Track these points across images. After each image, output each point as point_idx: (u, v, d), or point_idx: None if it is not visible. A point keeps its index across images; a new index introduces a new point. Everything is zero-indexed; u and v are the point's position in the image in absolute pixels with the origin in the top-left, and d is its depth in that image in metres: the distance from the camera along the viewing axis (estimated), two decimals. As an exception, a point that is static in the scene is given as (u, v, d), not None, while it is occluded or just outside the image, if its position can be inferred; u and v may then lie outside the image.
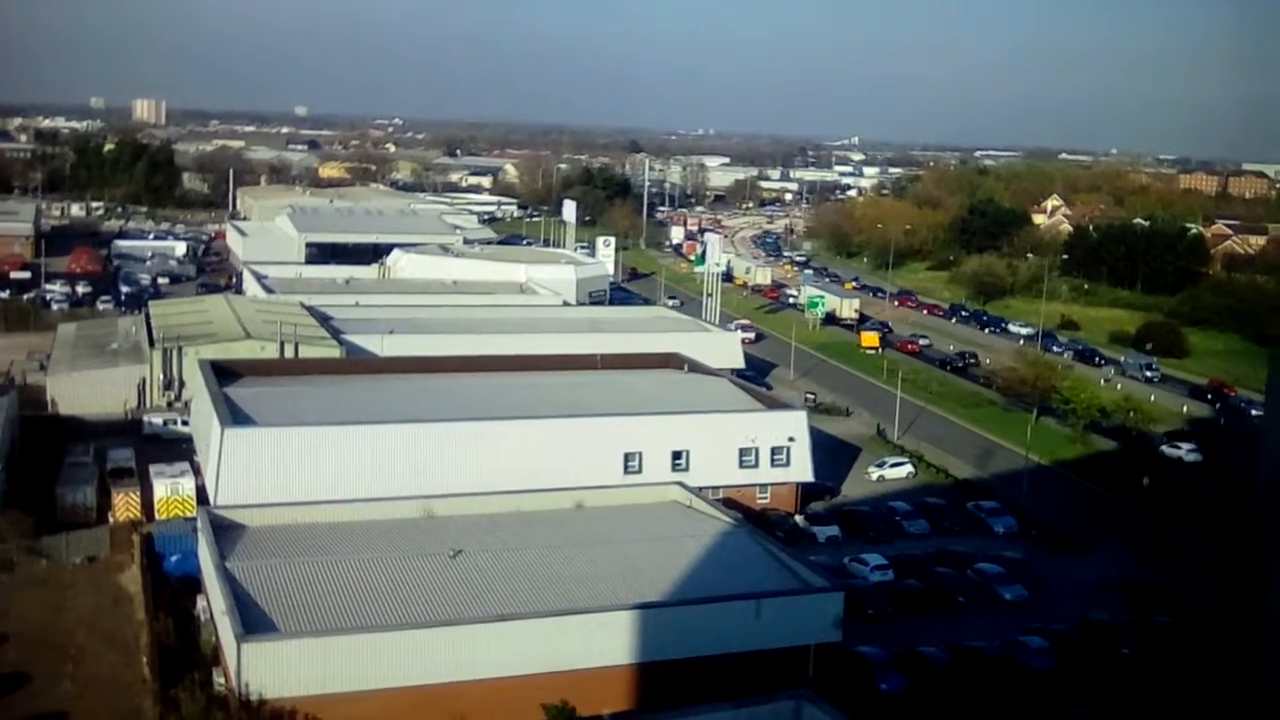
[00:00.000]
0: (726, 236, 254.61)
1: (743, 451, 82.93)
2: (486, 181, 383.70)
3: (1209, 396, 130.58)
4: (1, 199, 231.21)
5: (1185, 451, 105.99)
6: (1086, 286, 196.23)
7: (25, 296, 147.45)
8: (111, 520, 72.44)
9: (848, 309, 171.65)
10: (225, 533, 59.38)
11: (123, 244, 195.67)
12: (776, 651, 54.89)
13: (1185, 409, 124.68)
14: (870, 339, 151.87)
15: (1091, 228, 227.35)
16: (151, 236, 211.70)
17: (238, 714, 47.51)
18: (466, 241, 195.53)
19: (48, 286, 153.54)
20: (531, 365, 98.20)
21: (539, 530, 63.72)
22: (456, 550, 58.28)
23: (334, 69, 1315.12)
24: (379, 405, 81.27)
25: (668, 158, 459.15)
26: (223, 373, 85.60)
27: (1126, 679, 61.93)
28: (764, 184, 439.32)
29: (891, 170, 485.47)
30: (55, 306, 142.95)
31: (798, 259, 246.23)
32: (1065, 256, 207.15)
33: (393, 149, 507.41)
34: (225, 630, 50.86)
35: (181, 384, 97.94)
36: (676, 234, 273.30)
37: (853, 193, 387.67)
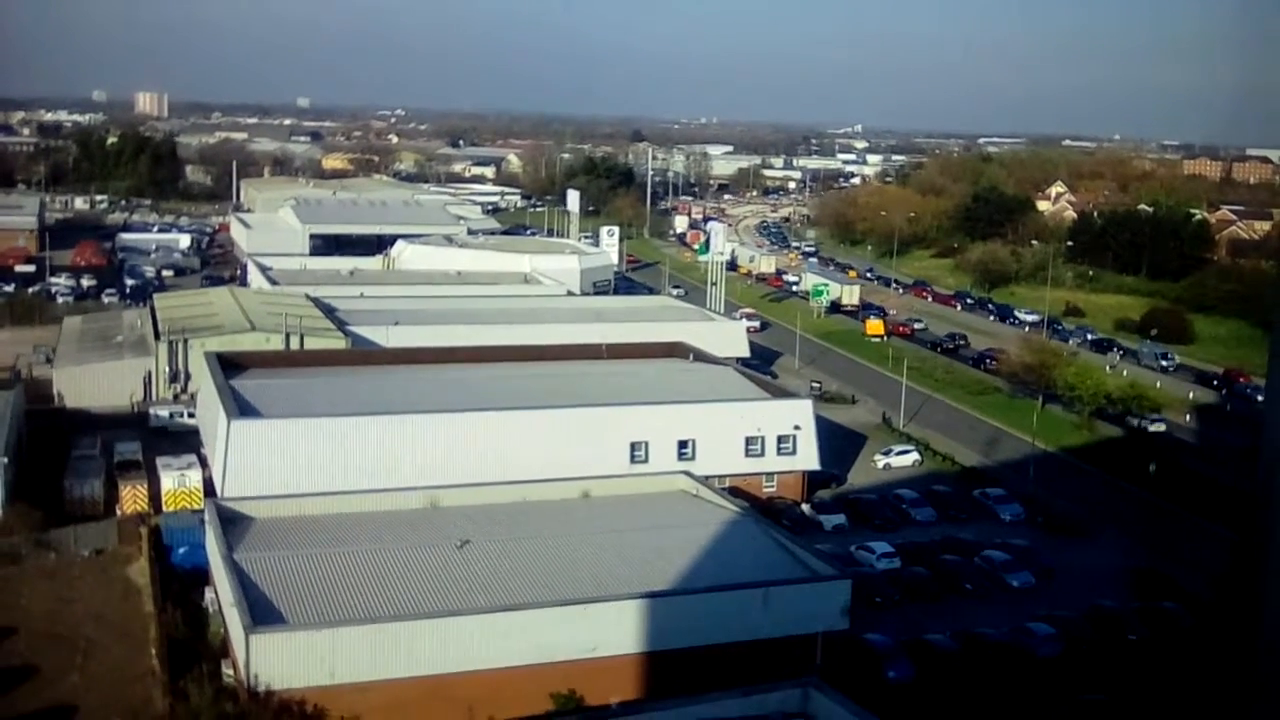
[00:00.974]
0: (730, 225, 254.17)
1: (749, 440, 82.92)
2: (490, 172, 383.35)
3: (1215, 383, 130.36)
4: (5, 193, 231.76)
5: (1150, 423, 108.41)
6: (1091, 273, 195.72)
7: (30, 290, 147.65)
8: (119, 513, 72.66)
9: (849, 296, 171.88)
10: (233, 524, 59.42)
11: (127, 237, 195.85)
12: (784, 640, 54.96)
13: (1191, 395, 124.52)
14: (875, 327, 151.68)
15: (1096, 214, 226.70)
16: (155, 229, 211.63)
17: (246, 705, 47.59)
18: (470, 232, 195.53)
19: (52, 280, 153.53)
20: (537, 355, 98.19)
21: (546, 520, 63.75)
22: (464, 540, 58.33)
23: (336, 60, 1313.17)
24: (384, 396, 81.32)
25: (671, 147, 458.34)
26: (228, 365, 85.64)
27: (1134, 665, 61.93)
28: (767, 172, 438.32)
29: (895, 158, 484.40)
30: (60, 300, 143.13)
31: (807, 249, 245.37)
32: (1070, 243, 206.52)
33: (395, 140, 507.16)
34: (233, 622, 50.96)
35: (187, 376, 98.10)
36: (680, 223, 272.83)
37: (856, 180, 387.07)
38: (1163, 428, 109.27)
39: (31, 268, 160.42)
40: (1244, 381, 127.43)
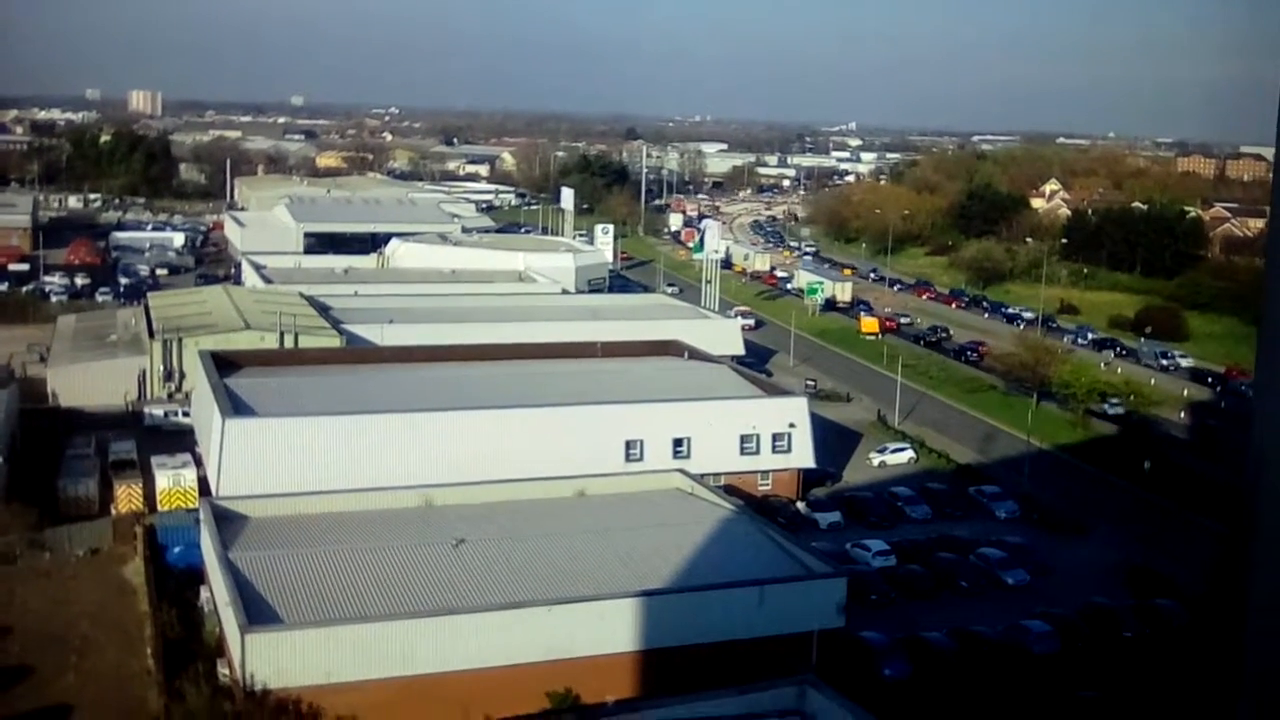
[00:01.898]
0: (725, 223, 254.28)
1: (744, 438, 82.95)
2: (484, 170, 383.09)
3: (1209, 380, 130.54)
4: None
5: (1109, 406, 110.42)
6: (1085, 270, 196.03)
7: (24, 289, 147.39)
8: (114, 512, 72.40)
9: (843, 293, 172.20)
10: (227, 523, 59.32)
11: (121, 235, 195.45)
12: (779, 638, 54.92)
13: (1185, 392, 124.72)
14: (870, 324, 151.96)
15: (1090, 211, 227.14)
16: (149, 227, 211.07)
17: (242, 704, 47.52)
18: (465, 230, 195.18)
19: (46, 279, 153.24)
20: (531, 354, 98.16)
21: (541, 519, 63.69)
22: (459, 539, 58.28)
23: (330, 59, 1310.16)
24: (379, 395, 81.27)
25: (665, 144, 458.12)
26: (223, 363, 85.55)
27: (1129, 663, 62.02)
28: (761, 170, 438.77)
29: (889, 155, 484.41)
30: (54, 298, 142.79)
31: (807, 249, 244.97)
32: (1064, 240, 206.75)
33: (389, 138, 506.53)
34: (229, 621, 50.88)
35: (182, 375, 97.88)
36: (675, 221, 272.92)
37: (850, 178, 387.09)
38: (1121, 410, 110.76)
39: (25, 266, 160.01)
40: (1238, 378, 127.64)
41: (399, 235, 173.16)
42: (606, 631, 52.48)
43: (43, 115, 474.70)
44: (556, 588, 54.86)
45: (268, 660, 47.88)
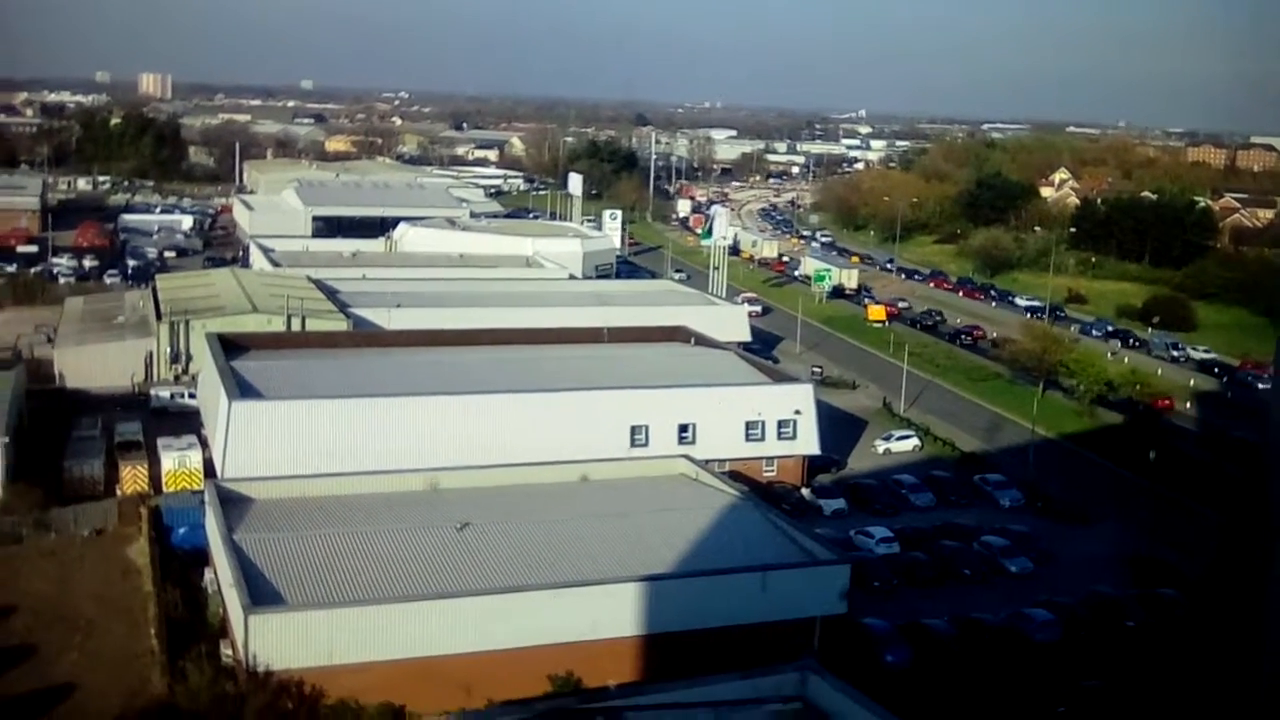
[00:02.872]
0: (733, 210, 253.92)
1: (749, 424, 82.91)
2: (493, 155, 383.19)
3: (1216, 370, 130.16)
4: (8, 173, 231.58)
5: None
6: (1093, 260, 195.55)
7: (32, 270, 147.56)
8: (119, 493, 72.63)
9: (849, 280, 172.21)
10: (232, 505, 59.51)
11: (129, 218, 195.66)
12: (782, 623, 55.08)
13: (1192, 382, 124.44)
14: (877, 312, 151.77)
15: (1099, 201, 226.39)
16: (158, 210, 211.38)
17: (245, 685, 47.73)
18: (473, 215, 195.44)
19: (55, 260, 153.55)
20: (538, 338, 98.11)
21: (545, 503, 63.81)
22: (463, 522, 58.40)
23: (340, 43, 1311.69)
24: (385, 378, 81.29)
25: (674, 131, 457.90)
26: (230, 346, 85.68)
27: (1132, 652, 62.00)
28: (771, 157, 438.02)
29: (898, 143, 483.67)
30: (62, 280, 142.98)
31: (823, 238, 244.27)
32: (1073, 230, 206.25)
33: (399, 122, 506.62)
34: (233, 602, 51.09)
35: (189, 357, 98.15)
36: (683, 207, 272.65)
37: (860, 166, 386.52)
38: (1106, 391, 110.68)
39: (34, 248, 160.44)
40: (1245, 369, 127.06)
41: (407, 219, 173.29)
42: (609, 616, 52.60)
43: (52, 98, 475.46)
44: (560, 572, 55.01)
45: (271, 641, 48.08)
